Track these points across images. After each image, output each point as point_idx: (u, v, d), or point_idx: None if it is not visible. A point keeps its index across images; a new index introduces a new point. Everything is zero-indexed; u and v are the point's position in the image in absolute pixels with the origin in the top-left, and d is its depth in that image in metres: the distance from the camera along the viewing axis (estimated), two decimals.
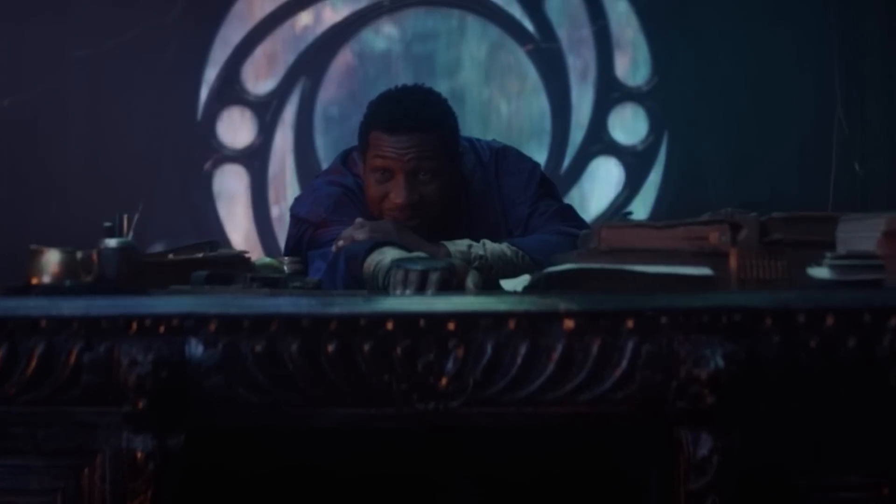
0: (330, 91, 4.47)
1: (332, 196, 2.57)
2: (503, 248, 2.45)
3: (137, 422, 1.70)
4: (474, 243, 2.43)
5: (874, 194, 4.31)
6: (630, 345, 1.69)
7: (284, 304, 1.72)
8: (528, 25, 4.49)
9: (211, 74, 4.46)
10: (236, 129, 4.47)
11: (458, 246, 2.41)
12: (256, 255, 4.36)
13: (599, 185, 4.50)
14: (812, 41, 4.39)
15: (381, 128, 2.50)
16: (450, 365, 1.69)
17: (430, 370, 1.69)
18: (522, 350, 1.69)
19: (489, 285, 2.16)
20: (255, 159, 4.47)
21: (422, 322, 1.69)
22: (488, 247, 2.43)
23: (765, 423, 1.72)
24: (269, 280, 2.07)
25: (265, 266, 2.26)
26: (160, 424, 1.71)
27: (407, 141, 2.47)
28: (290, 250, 2.57)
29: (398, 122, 2.47)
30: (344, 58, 4.48)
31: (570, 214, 2.65)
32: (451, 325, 1.69)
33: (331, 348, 1.69)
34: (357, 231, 2.37)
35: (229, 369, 1.69)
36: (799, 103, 4.38)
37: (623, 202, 4.49)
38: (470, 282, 2.05)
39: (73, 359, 1.71)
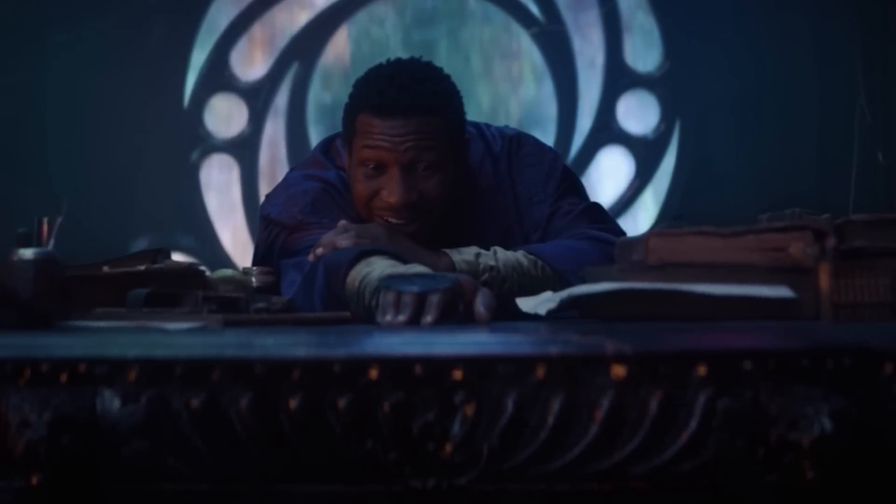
0: (324, 77, 4.16)
1: (310, 193, 2.04)
2: (518, 256, 1.95)
3: (31, 501, 1.24)
4: (483, 252, 1.93)
5: None
6: (701, 399, 1.21)
7: (231, 343, 1.22)
8: (533, 8, 4.18)
9: (198, 59, 4.16)
10: (225, 117, 4.18)
11: (465, 255, 1.92)
12: (247, 250, 4.02)
13: (608, 176, 4.17)
14: (833, 23, 4.04)
15: (371, 110, 1.96)
16: (456, 427, 1.21)
17: (430, 434, 1.21)
18: (556, 406, 1.21)
19: (502, 304, 1.63)
20: (244, 149, 4.18)
21: (418, 368, 1.21)
22: (500, 256, 1.93)
23: None
24: (225, 301, 1.53)
25: (226, 280, 1.71)
26: None
27: (402, 126, 1.95)
28: (260, 258, 2.03)
29: (392, 104, 1.95)
30: (339, 42, 4.17)
31: (600, 215, 2.12)
32: (458, 373, 1.20)
33: (294, 404, 1.21)
34: (340, 236, 1.86)
35: (156, 432, 1.22)
36: (818, 89, 4.04)
37: (633, 194, 4.17)
38: (481, 305, 1.52)
39: None
